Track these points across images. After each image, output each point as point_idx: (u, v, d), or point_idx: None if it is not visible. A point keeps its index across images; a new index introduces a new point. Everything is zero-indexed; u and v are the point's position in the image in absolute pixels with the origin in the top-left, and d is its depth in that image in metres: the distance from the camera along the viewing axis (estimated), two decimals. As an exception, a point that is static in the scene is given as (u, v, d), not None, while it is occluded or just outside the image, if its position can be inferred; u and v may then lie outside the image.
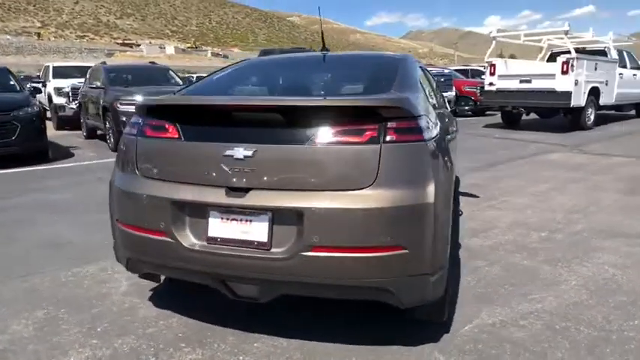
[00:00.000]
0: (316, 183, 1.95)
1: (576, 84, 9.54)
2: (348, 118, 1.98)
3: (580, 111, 10.10)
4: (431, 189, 1.97)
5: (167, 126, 2.21)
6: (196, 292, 2.77)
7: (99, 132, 9.85)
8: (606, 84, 10.57)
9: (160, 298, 2.74)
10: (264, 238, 2.00)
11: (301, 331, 2.34)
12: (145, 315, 2.57)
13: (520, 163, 6.92)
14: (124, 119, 8.08)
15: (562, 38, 10.41)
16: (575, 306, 2.58)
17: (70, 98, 11.66)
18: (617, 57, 11.15)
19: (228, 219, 2.05)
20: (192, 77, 18.94)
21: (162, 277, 2.65)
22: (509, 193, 5.13)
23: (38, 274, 3.13)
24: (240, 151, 2.00)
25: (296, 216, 1.96)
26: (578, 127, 10.20)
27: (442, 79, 13.24)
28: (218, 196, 2.04)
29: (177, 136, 2.17)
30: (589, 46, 11.40)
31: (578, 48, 10.72)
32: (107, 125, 8.71)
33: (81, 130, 10.77)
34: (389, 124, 1.96)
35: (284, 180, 1.98)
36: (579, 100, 9.77)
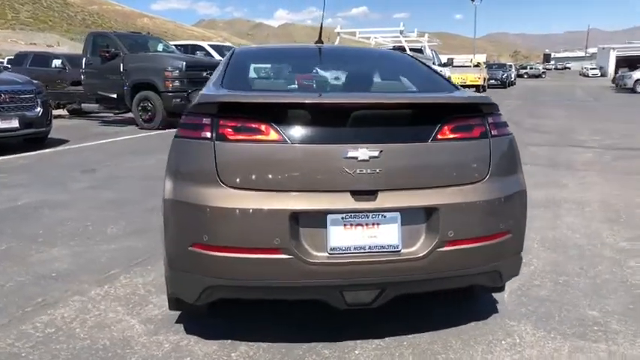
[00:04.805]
0: (442, 179, 1.99)
1: (410, 78, 11.07)
2: (459, 114, 2.07)
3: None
4: (522, 176, 2.22)
5: (261, 127, 1.91)
6: (234, 311, 2.48)
7: None
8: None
9: (202, 329, 2.33)
10: (394, 241, 1.94)
11: (381, 330, 2.34)
12: (205, 352, 2.17)
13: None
14: None
15: (397, 37, 11.92)
16: (556, 264, 3.18)
17: None
18: (431, 55, 13.33)
19: (352, 225, 1.92)
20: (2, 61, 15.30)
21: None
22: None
23: (-8, 334, 2.29)
24: (365, 152, 1.89)
25: (425, 213, 1.97)
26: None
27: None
28: (342, 202, 1.89)
29: (278, 138, 1.90)
30: (410, 45, 13.29)
31: (401, 46, 12.39)
32: None
33: None
34: (489, 120, 2.12)
35: (411, 178, 1.96)
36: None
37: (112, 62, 10.02)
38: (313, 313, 2.45)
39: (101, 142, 8.40)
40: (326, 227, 1.91)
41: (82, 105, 11.08)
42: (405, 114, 2.01)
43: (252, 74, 2.58)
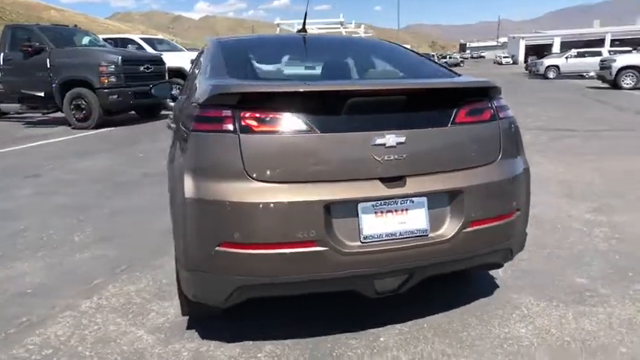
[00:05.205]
0: (462, 161, 2.04)
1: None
2: (471, 98, 2.12)
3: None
4: (525, 156, 2.33)
5: (287, 117, 1.83)
6: (248, 311, 2.39)
7: None
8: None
9: (218, 333, 2.22)
10: (423, 225, 1.96)
11: (398, 316, 2.36)
12: (230, 355, 2.08)
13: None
14: None
15: (336, 28, 11.99)
16: (536, 237, 3.34)
17: None
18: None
19: (383, 212, 1.92)
20: None
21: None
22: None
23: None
24: (392, 139, 1.88)
25: (449, 196, 2.00)
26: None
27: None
28: (373, 190, 1.88)
29: (306, 128, 1.84)
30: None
31: (340, 38, 12.49)
32: None
33: None
34: (495, 103, 2.20)
35: (435, 162, 1.99)
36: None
37: (37, 58, 9.13)
38: (329, 306, 2.43)
39: (33, 144, 7.68)
40: (357, 216, 1.88)
41: (0, 105, 10.03)
42: (425, 99, 2.03)
43: (254, 64, 2.46)
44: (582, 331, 2.24)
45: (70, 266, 3.00)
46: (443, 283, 2.68)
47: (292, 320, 2.34)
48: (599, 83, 18.72)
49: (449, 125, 2.02)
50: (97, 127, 9.16)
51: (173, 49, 13.24)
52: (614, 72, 16.78)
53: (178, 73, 11.45)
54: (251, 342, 2.16)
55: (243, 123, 1.82)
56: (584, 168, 5.46)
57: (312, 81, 2.21)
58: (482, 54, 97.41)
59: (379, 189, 1.89)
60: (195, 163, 1.86)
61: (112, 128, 9.30)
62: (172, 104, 11.57)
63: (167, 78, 10.43)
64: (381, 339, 2.19)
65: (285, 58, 2.76)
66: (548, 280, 2.74)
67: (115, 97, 8.95)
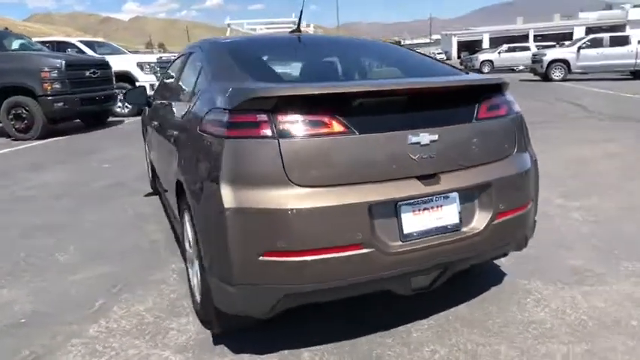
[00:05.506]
0: (487, 156, 2.11)
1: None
2: (488, 95, 2.19)
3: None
4: (532, 148, 2.44)
5: (324, 120, 1.80)
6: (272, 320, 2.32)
7: None
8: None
9: (249, 346, 2.14)
10: (455, 220, 2.01)
11: (421, 312, 2.39)
12: (269, 366, 2.01)
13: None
14: None
15: (289, 27, 11.90)
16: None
17: None
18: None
19: (420, 210, 1.94)
20: None
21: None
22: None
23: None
24: (426, 136, 1.91)
25: (478, 189, 2.06)
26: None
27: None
28: (411, 188, 1.90)
29: (344, 130, 1.82)
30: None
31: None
32: None
33: None
34: (507, 99, 2.29)
35: (463, 158, 2.04)
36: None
37: (-35, 64, 8.34)
38: (353, 307, 2.42)
39: (-28, 159, 7.03)
40: (397, 215, 1.89)
41: None
42: (452, 97, 2.07)
43: (270, 66, 2.38)
44: (595, 308, 2.38)
45: (61, 289, 2.78)
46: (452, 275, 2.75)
47: (323, 325, 2.30)
48: (531, 76, 19.96)
49: (473, 121, 2.08)
50: (41, 138, 8.53)
51: (116, 52, 12.59)
52: (545, 65, 17.97)
53: (124, 77, 10.92)
54: (287, 351, 2.11)
55: (281, 127, 1.76)
56: (538, 157, 5.79)
57: (339, 82, 2.20)
58: (418, 50, 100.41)
59: (416, 187, 1.91)
60: (232, 171, 1.77)
61: (59, 138, 8.70)
62: (118, 110, 10.87)
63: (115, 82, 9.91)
64: (414, 335, 2.21)
65: (299, 59, 2.69)
66: (547, 264, 2.89)
67: (61, 104, 8.37)
